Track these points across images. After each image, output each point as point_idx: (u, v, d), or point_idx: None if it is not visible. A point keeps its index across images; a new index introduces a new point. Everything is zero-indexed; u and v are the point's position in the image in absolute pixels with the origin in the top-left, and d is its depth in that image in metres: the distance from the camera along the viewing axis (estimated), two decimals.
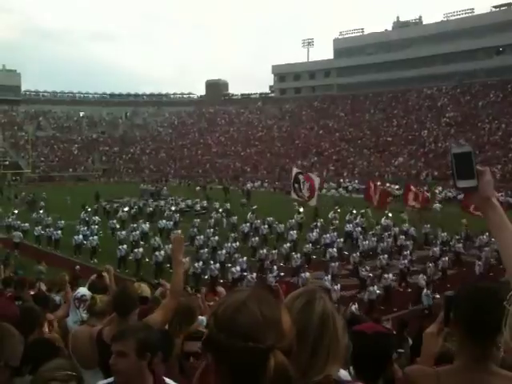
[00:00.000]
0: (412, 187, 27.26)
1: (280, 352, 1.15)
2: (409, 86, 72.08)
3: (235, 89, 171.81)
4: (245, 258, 20.30)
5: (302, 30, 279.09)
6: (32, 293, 8.37)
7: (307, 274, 17.87)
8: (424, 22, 77.53)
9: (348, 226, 26.31)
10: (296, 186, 25.34)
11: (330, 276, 17.56)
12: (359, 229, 25.96)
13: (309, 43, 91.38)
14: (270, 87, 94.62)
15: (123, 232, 25.45)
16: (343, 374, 2.10)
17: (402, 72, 72.81)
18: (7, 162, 67.88)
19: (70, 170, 73.11)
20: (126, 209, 33.41)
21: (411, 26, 77.77)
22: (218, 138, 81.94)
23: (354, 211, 28.68)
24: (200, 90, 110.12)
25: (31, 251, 25.07)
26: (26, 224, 29.09)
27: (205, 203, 36.50)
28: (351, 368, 2.39)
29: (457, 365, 1.93)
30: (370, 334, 2.55)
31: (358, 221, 27.27)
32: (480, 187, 1.61)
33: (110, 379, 2.80)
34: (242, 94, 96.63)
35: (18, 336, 2.46)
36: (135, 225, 27.00)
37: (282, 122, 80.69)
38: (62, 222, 28.38)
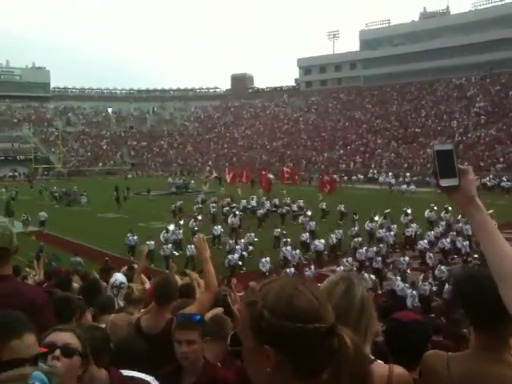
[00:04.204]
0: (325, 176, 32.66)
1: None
2: (437, 76, 70.84)
3: (261, 83, 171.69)
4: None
5: (328, 22, 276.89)
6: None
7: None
8: (452, 12, 76.19)
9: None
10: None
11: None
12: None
13: (334, 35, 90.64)
14: (296, 80, 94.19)
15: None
16: None
17: (429, 63, 71.53)
18: (38, 157, 69.33)
19: (100, 164, 74.39)
20: (238, 213, 27.34)
21: (438, 16, 76.36)
22: (244, 131, 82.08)
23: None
24: (226, 84, 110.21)
25: (55, 241, 24.99)
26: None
27: (301, 202, 30.98)
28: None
29: (467, 351, 1.97)
30: (406, 322, 2.59)
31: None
32: (463, 186, 1.56)
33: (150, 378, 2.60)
34: (267, 87, 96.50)
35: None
36: (252, 234, 22.73)
37: (308, 114, 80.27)
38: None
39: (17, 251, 2.76)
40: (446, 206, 24.68)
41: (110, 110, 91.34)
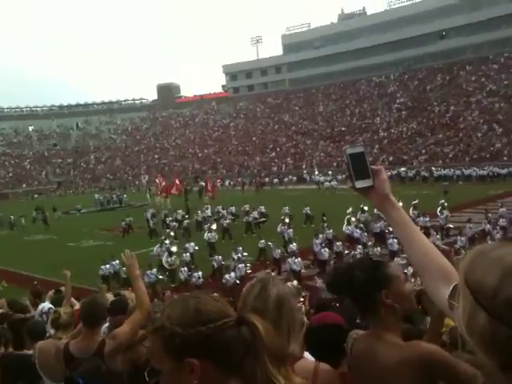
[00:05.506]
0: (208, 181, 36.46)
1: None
2: (358, 75, 73.34)
3: (187, 91, 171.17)
4: None
5: (250, 27, 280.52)
6: None
7: None
8: (368, 13, 79.19)
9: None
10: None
11: None
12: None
13: (257, 41, 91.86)
14: (223, 86, 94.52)
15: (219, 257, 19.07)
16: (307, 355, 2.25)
17: (350, 63, 74.05)
18: None
19: (24, 185, 71.19)
20: (214, 226, 23.87)
21: (355, 17, 79.15)
22: (174, 140, 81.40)
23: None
24: (152, 95, 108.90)
25: None
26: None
27: (263, 209, 28.76)
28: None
29: (366, 332, 2.08)
30: (319, 326, 2.52)
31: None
32: (377, 186, 1.63)
33: None
34: (194, 95, 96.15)
35: None
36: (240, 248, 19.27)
37: (237, 120, 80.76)
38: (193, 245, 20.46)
39: None
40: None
41: (30, 128, 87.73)
